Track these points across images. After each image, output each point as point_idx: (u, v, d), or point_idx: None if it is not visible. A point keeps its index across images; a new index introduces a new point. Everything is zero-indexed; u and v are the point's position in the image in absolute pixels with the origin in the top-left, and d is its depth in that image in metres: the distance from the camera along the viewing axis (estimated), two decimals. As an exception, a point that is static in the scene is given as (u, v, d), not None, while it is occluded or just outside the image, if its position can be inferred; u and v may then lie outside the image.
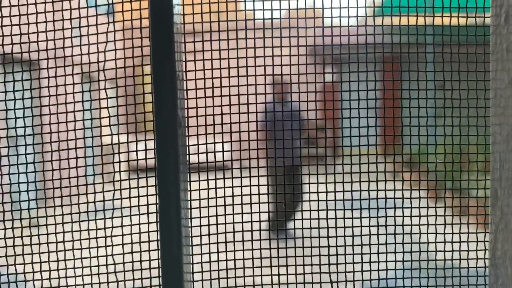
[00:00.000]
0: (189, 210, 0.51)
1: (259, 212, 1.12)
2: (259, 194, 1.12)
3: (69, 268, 1.10)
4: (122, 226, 1.11)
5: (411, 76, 1.17)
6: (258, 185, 1.12)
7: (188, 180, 0.48)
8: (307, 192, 1.20)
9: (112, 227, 1.03)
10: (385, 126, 1.31)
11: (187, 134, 0.48)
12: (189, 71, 1.08)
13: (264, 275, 1.09)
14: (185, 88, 0.47)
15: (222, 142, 1.18)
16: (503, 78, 0.48)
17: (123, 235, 1.11)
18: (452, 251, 1.16)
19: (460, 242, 1.15)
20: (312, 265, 1.11)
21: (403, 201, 1.19)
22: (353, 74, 1.16)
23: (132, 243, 1.10)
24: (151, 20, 0.41)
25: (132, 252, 1.09)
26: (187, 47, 1.11)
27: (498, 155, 0.49)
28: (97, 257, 1.08)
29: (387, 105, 1.26)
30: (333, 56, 1.28)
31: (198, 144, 1.16)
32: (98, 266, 1.09)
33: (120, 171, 1.25)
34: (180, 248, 0.44)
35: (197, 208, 1.00)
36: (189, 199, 0.51)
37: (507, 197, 0.48)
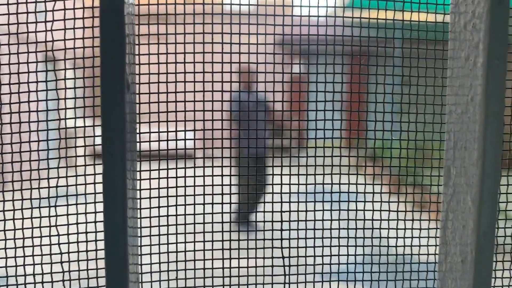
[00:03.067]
0: (138, 190, 0.49)
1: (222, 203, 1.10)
2: (222, 185, 1.11)
3: (19, 256, 1.05)
4: (77, 214, 1.07)
5: (377, 71, 1.18)
6: (222, 175, 1.11)
7: (138, 149, 0.45)
8: (271, 184, 1.19)
9: (67, 215, 0.99)
10: (351, 119, 1.32)
11: (138, 102, 0.45)
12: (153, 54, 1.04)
13: (225, 267, 1.08)
14: (135, 52, 0.45)
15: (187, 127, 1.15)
16: (459, 57, 0.48)
17: (77, 223, 1.07)
18: (411, 246, 1.18)
19: (419, 237, 1.17)
20: (279, 258, 1.10)
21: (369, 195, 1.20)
22: (320, 66, 1.16)
23: (86, 232, 1.06)
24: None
25: (87, 241, 1.05)
26: (151, 32, 1.08)
27: (452, 134, 0.49)
28: (50, 245, 1.03)
29: (353, 98, 1.27)
30: (301, 48, 1.27)
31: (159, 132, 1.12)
32: (50, 255, 1.04)
33: (85, 156, 1.20)
34: (125, 242, 0.42)
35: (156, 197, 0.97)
36: (138, 171, 0.48)
37: (459, 175, 0.48)
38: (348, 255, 1.16)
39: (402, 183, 1.65)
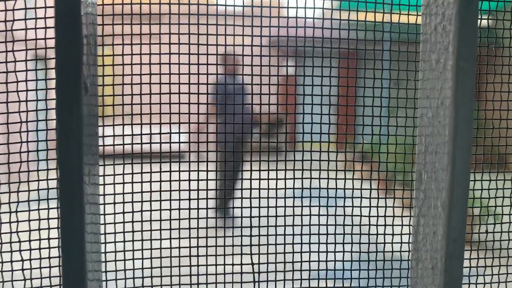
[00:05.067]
0: (99, 196, 0.47)
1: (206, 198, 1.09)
2: (207, 175, 1.09)
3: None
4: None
5: (367, 72, 1.17)
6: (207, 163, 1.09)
7: (99, 150, 0.44)
8: (248, 170, 1.17)
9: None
10: (340, 121, 1.31)
11: (99, 104, 0.44)
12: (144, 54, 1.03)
13: (209, 265, 1.06)
14: (96, 53, 0.43)
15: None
16: (430, 60, 0.47)
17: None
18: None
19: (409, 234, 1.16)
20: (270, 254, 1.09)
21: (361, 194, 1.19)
22: (311, 67, 1.15)
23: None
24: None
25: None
26: (142, 29, 1.06)
27: (423, 138, 0.48)
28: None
29: (344, 99, 1.26)
30: (292, 49, 1.26)
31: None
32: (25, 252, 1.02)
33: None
34: (83, 249, 0.40)
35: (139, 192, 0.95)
36: (99, 183, 0.47)
37: (430, 180, 0.47)
38: (334, 259, 1.15)
39: (391, 183, 1.65)
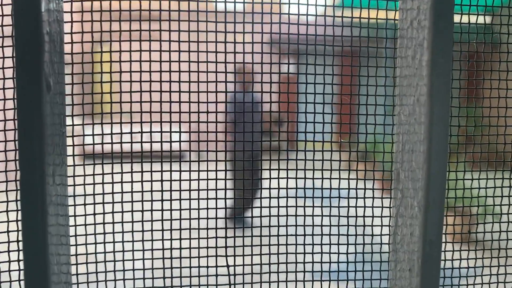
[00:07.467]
0: (66, 200, 0.46)
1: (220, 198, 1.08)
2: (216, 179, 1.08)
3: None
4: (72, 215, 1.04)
5: (369, 70, 1.15)
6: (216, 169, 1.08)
7: (66, 150, 0.43)
8: (266, 178, 1.17)
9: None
10: (342, 120, 1.29)
11: (70, 103, 0.43)
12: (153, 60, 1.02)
13: (219, 266, 1.05)
14: (63, 51, 0.42)
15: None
16: (407, 56, 0.46)
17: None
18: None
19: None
20: (272, 254, 1.08)
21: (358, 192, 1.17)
22: (312, 66, 1.13)
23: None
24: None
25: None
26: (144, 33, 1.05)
27: (401, 136, 0.47)
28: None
29: (344, 98, 1.24)
30: (293, 48, 1.24)
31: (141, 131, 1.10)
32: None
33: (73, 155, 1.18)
34: (46, 250, 0.39)
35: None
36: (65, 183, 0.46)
37: (407, 180, 0.46)
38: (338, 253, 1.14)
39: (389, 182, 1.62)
